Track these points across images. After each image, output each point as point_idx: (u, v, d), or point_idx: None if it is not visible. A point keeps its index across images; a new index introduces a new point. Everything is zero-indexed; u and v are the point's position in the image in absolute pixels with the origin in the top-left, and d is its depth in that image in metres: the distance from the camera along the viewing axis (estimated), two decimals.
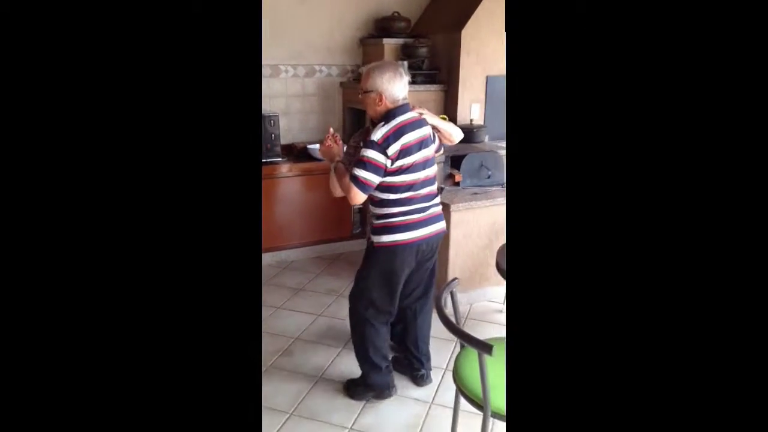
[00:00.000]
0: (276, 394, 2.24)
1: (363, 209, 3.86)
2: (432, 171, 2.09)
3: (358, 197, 1.95)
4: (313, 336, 2.72)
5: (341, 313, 2.94)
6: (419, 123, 2.02)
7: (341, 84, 3.95)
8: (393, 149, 1.91)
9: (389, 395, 2.22)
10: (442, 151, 2.27)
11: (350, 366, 2.44)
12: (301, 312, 2.98)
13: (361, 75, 2.06)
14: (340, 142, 2.15)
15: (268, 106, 3.71)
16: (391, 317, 2.19)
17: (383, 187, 2.00)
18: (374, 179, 1.94)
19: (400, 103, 1.99)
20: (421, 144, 2.01)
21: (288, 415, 2.13)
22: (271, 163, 3.43)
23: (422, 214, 2.06)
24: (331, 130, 2.20)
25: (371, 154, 1.91)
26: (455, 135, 2.24)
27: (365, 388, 2.22)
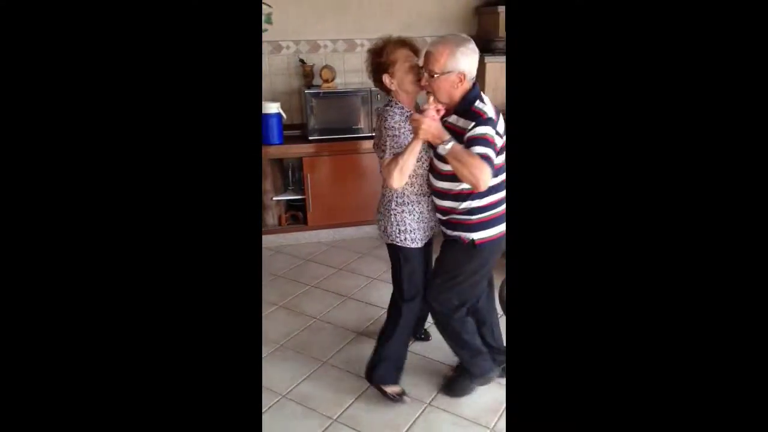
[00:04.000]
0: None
1: None
2: None
3: (489, 178, 1.60)
4: None
5: None
6: None
7: None
8: (501, 126, 1.71)
9: (492, 378, 2.09)
10: None
11: None
12: None
13: (430, 53, 1.70)
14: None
15: None
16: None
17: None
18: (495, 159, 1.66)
19: (474, 81, 1.76)
20: None
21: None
22: None
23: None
24: (431, 99, 1.73)
25: (490, 131, 1.65)
26: None
27: (471, 378, 2.09)
